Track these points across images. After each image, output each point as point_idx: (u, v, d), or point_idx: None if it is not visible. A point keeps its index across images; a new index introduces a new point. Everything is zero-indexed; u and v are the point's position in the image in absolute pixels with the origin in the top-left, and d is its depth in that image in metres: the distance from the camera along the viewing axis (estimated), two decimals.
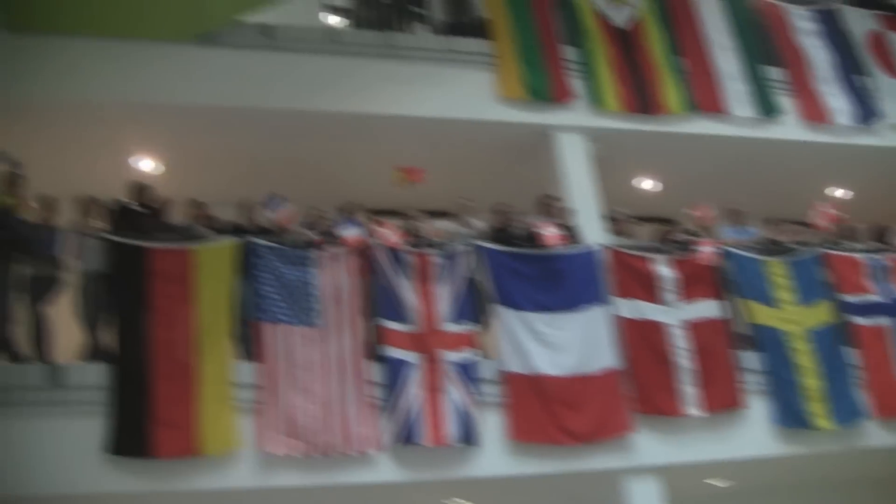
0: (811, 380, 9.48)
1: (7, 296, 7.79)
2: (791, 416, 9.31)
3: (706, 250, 9.67)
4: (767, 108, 11.53)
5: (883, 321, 10.16)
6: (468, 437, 8.19)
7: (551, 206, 9.75)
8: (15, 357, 7.75)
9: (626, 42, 11.35)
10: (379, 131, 10.16)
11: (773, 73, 11.96)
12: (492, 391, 8.52)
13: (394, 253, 8.69)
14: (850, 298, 10.18)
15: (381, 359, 8.33)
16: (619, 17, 11.48)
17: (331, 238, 8.69)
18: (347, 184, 10.35)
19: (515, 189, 10.22)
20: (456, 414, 8.22)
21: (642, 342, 9.14)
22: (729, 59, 11.78)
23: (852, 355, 9.86)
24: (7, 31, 8.95)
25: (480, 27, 10.90)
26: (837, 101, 12.04)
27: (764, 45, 12.19)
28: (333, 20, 11.57)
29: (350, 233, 8.64)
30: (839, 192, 12.92)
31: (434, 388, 8.29)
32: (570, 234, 9.54)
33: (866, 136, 12.02)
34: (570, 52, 11.00)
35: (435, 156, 10.31)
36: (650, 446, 8.77)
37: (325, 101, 9.82)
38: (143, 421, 7.47)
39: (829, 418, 9.38)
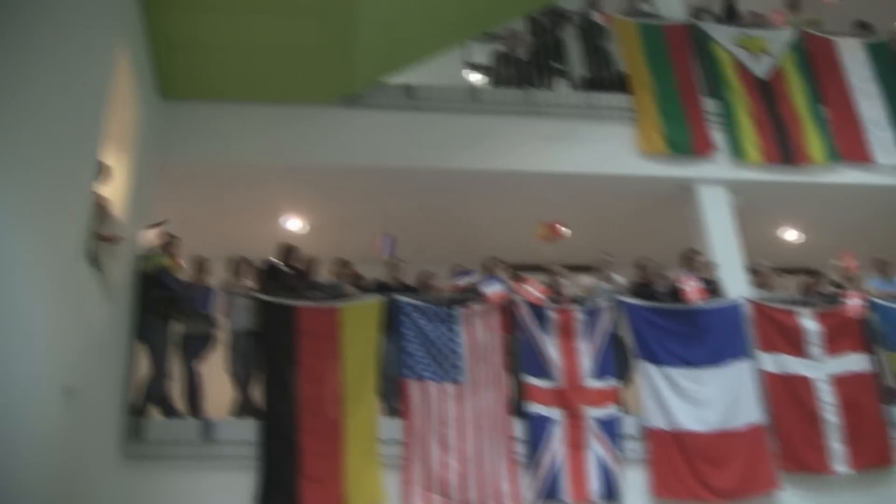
0: None
1: (164, 353, 8.35)
2: None
3: (853, 302, 9.64)
4: None
5: None
6: (611, 493, 8.36)
7: (693, 260, 9.86)
8: (170, 412, 8.29)
9: (766, 92, 11.39)
10: (520, 187, 10.47)
11: None
12: (634, 447, 8.69)
13: (536, 309, 8.96)
14: None
15: (524, 415, 8.58)
16: (760, 68, 11.53)
17: (474, 295, 8.99)
18: (490, 240, 10.68)
19: (657, 243, 10.42)
20: (598, 470, 8.41)
21: (787, 397, 9.15)
22: (873, 106, 11.66)
23: None
24: (162, 98, 9.56)
25: (620, 81, 11.12)
26: None
27: None
28: (475, 78, 11.95)
29: (493, 289, 8.94)
30: None
31: (577, 445, 8.50)
32: (713, 287, 9.63)
33: None
34: (710, 105, 11.11)
35: (576, 211, 10.58)
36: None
37: (466, 158, 10.19)
38: (291, 475, 7.91)
39: None
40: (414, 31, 10.20)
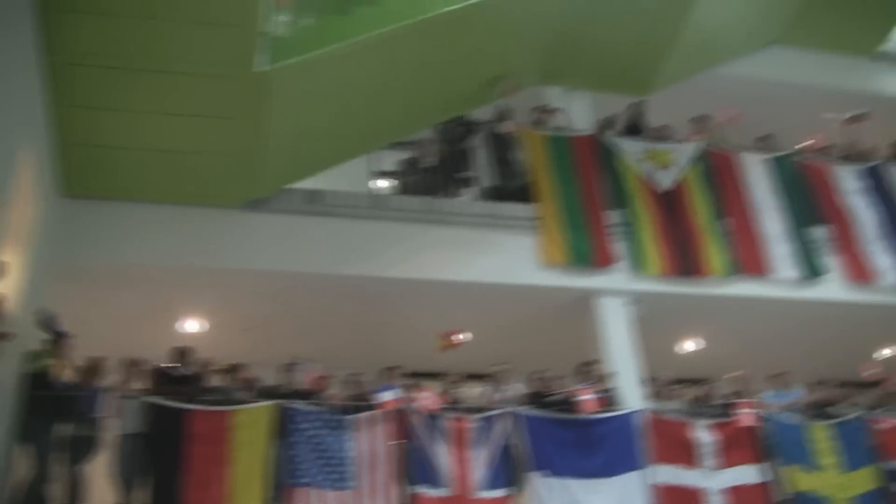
0: None
1: (46, 454, 8.27)
2: None
3: (745, 413, 10.02)
4: (812, 269, 11.98)
5: None
6: None
7: (589, 371, 10.22)
8: None
9: (670, 204, 11.95)
10: (421, 295, 10.79)
11: (818, 232, 12.43)
12: None
13: (431, 417, 9.17)
14: None
15: None
16: (664, 181, 12.09)
17: (368, 402, 9.20)
18: (389, 347, 10.90)
19: (557, 351, 10.67)
20: None
21: None
22: (774, 221, 12.30)
23: None
24: (65, 195, 9.70)
25: (525, 191, 11.54)
26: (883, 260, 12.44)
27: (809, 205, 12.70)
28: (381, 185, 12.33)
29: (386, 397, 9.14)
30: (887, 352, 13.18)
31: None
32: (609, 397, 9.97)
33: None
34: (613, 216, 11.61)
35: (477, 319, 10.87)
36: None
37: (368, 265, 10.46)
38: None
39: None
40: (323, 140, 10.53)
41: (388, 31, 9.60)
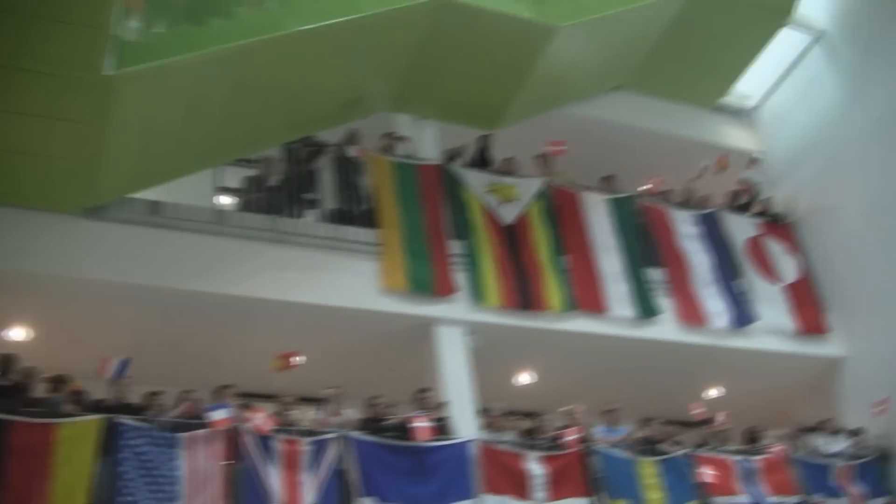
0: None
1: None
2: None
3: (572, 439, 10.39)
4: (647, 309, 12.56)
5: None
6: None
7: (424, 399, 10.41)
8: None
9: (511, 238, 12.33)
10: (259, 314, 10.78)
11: (654, 274, 13.07)
12: None
13: (263, 438, 9.16)
14: (721, 500, 10.97)
15: None
16: (507, 215, 12.47)
17: (200, 420, 9.13)
18: (224, 365, 10.86)
19: (393, 378, 10.90)
20: None
21: None
22: (611, 260, 12.85)
23: None
24: None
25: (369, 217, 11.73)
26: (715, 304, 13.19)
27: (646, 246, 13.36)
28: (224, 201, 12.26)
29: (218, 416, 9.08)
30: (714, 392, 13.90)
31: None
32: (443, 426, 10.18)
33: (741, 339, 13.11)
34: (455, 247, 11.90)
35: (314, 342, 10.91)
36: None
37: (207, 281, 10.38)
38: None
39: None
40: (169, 150, 10.37)
41: (240, 45, 9.62)
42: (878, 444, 12.77)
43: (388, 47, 11.78)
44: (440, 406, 10.46)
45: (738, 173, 15.18)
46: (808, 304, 14.19)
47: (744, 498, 11.21)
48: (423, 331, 11.25)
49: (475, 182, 12.60)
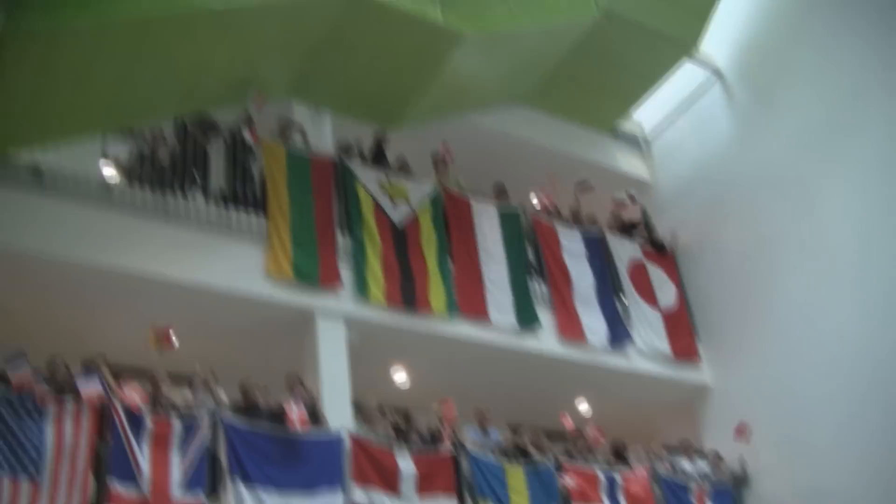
0: None
1: None
2: None
3: (445, 447, 10.70)
4: (527, 320, 12.94)
5: None
6: None
7: (299, 387, 10.53)
8: None
9: (399, 238, 12.54)
10: (138, 290, 10.70)
11: (537, 287, 13.44)
12: None
13: (132, 414, 9.15)
14: None
15: None
16: (397, 214, 12.67)
17: (69, 391, 9.05)
18: (99, 339, 10.66)
19: (270, 365, 10.94)
20: None
21: None
22: (497, 269, 13.19)
23: None
24: None
25: (258, 203, 11.79)
26: (593, 321, 13.63)
27: (531, 259, 13.77)
28: (110, 173, 12.12)
29: (89, 388, 9.04)
30: (584, 406, 14.36)
31: None
32: (317, 417, 10.32)
33: (616, 358, 13.62)
34: (343, 240, 12.05)
35: (194, 323, 10.90)
36: None
37: (86, 252, 10.26)
38: None
39: None
40: (56, 114, 10.31)
41: (140, 14, 9.62)
42: (735, 469, 13.39)
43: (292, 34, 11.91)
44: (316, 396, 10.58)
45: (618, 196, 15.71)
46: (682, 332, 14.78)
47: None
48: (304, 321, 11.35)
49: (368, 178, 12.75)
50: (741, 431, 13.07)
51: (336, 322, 11.45)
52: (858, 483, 11.88)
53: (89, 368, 9.56)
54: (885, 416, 11.77)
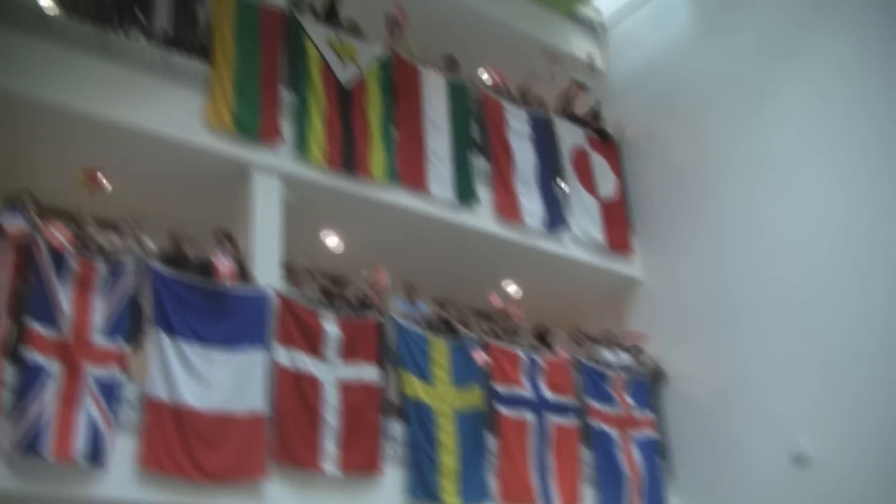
0: (448, 457, 10.76)
1: None
2: (423, 488, 10.53)
3: (372, 314, 10.72)
4: (465, 195, 12.90)
5: (526, 415, 11.66)
6: (96, 456, 8.57)
7: (231, 242, 10.42)
8: None
9: (345, 99, 12.27)
10: (72, 128, 10.40)
11: (479, 163, 13.38)
12: (131, 415, 9.04)
13: (57, 254, 8.97)
14: (501, 389, 11.57)
15: (19, 360, 8.50)
16: (344, 75, 12.40)
17: None
18: (26, 175, 10.37)
19: (202, 218, 10.79)
20: (88, 430, 8.56)
21: (294, 393, 10.00)
22: (440, 140, 13.06)
23: (491, 441, 11.22)
24: None
25: (203, 48, 11.42)
26: (531, 204, 13.64)
27: (476, 135, 13.63)
28: (48, 2, 11.64)
29: (12, 224, 8.83)
30: (513, 288, 14.49)
31: (70, 401, 8.58)
32: (246, 272, 10.24)
33: (550, 243, 13.74)
34: (287, 96, 11.77)
35: (127, 167, 10.67)
36: (282, 497, 9.57)
37: (17, 83, 9.88)
38: None
39: (457, 496, 10.65)
40: None
41: None
42: (655, 364, 13.70)
43: None
44: (245, 252, 10.48)
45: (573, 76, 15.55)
46: (618, 223, 14.88)
47: (524, 391, 11.85)
48: (240, 175, 11.15)
49: (318, 34, 12.39)
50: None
51: (272, 178, 11.26)
52: (778, 381, 12.30)
53: (14, 205, 9.28)
54: (810, 321, 12.11)
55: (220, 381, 9.58)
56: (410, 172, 12.48)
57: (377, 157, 12.14)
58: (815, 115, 12.84)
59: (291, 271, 10.93)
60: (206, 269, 9.96)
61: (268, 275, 10.54)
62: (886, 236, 11.63)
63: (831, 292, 11.97)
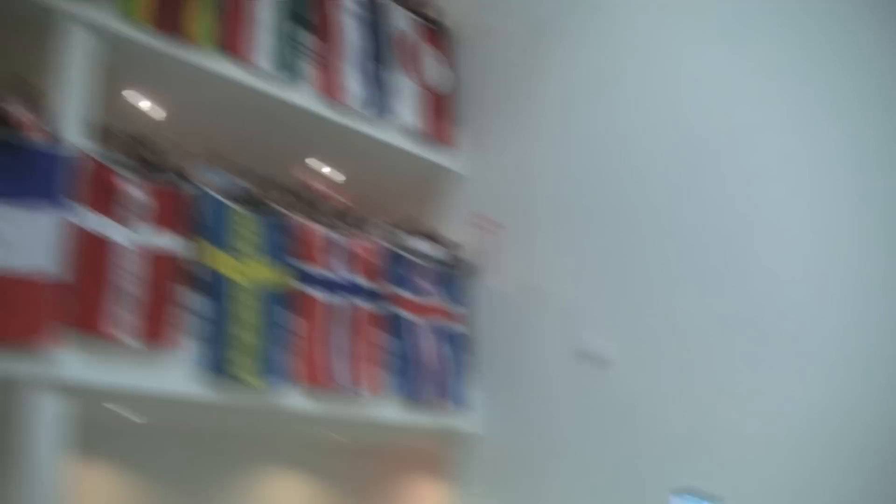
0: (247, 334, 10.66)
1: None
2: (218, 363, 10.40)
3: (181, 183, 10.43)
4: (287, 68, 12.59)
5: (331, 297, 11.72)
6: None
7: (34, 92, 9.84)
8: None
9: None
10: None
11: (305, 38, 13.07)
12: None
13: None
14: (307, 268, 11.58)
15: None
16: None
17: None
18: None
19: (6, 65, 10.17)
20: None
21: (89, 255, 9.60)
22: (266, 9, 12.63)
23: (293, 321, 11.19)
24: None
25: None
26: (355, 85, 13.45)
27: (304, 7, 13.27)
28: None
29: None
30: (327, 169, 14.40)
31: None
32: (47, 126, 9.70)
33: (371, 126, 13.65)
34: None
35: None
36: (69, 362, 9.25)
37: None
38: None
39: (254, 374, 10.62)
40: None
41: None
42: (469, 259, 13.91)
43: None
44: (49, 103, 9.94)
45: None
46: (442, 114, 14.85)
47: (330, 273, 11.85)
48: (48, 22, 10.41)
49: None
50: (482, 225, 13.40)
51: (88, 29, 10.58)
52: (571, 279, 12.60)
53: None
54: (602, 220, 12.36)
55: (7, 237, 9.08)
56: (234, 40, 12.06)
57: (202, 19, 11.64)
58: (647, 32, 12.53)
59: (101, 132, 10.42)
60: (4, 119, 9.36)
61: (74, 132, 10.00)
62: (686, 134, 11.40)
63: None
